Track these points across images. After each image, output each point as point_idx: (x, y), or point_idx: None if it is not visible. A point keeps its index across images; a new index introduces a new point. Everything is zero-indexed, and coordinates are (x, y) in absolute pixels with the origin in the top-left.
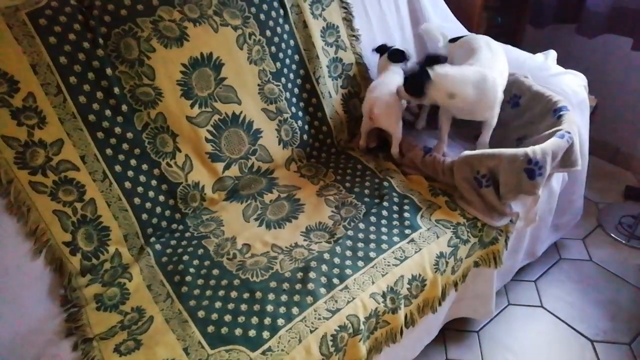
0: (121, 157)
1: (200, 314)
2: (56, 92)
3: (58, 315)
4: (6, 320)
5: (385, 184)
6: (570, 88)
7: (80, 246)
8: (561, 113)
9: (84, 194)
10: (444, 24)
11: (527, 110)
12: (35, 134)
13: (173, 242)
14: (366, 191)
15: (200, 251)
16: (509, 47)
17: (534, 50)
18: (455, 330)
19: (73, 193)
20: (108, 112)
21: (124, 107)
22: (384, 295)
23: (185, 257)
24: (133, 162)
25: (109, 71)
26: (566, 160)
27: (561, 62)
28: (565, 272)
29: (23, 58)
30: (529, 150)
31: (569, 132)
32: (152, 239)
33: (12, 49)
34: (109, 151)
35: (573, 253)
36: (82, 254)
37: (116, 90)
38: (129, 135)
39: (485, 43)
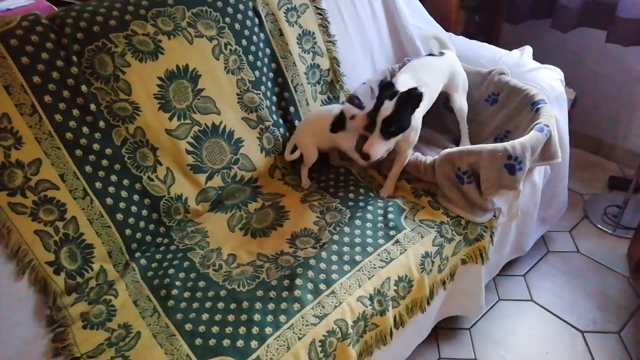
0: (101, 173)
1: (188, 326)
2: (31, 111)
3: (44, 336)
4: None
5: (370, 192)
6: (547, 82)
7: (64, 265)
8: (539, 106)
9: (65, 212)
10: (421, 26)
11: (505, 106)
12: (12, 155)
13: (158, 256)
14: (350, 195)
15: (186, 264)
16: (485, 44)
17: (511, 47)
18: (447, 329)
19: (54, 212)
20: (85, 129)
21: (102, 124)
22: (371, 298)
23: (171, 271)
24: (114, 177)
25: (84, 88)
26: (546, 153)
27: (538, 57)
28: (554, 264)
29: None
30: (508, 145)
31: (547, 125)
32: (137, 254)
33: None
34: (88, 168)
35: (560, 245)
36: (66, 272)
37: (92, 107)
38: (108, 151)
39: (409, 67)
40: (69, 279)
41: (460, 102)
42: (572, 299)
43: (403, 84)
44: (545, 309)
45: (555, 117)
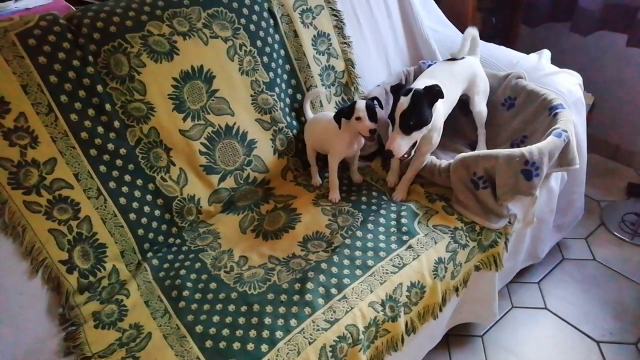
0: (115, 173)
1: (198, 328)
2: (47, 111)
3: (56, 335)
4: (4, 341)
5: (384, 195)
6: (565, 87)
7: (77, 264)
8: (557, 111)
9: (78, 211)
10: (437, 28)
11: (522, 110)
12: (28, 154)
13: (170, 257)
14: (363, 199)
15: (198, 265)
16: (502, 47)
17: (528, 50)
18: (459, 335)
19: (68, 211)
20: (100, 129)
21: (116, 124)
22: (383, 304)
23: (183, 272)
24: (127, 177)
25: (99, 88)
26: (563, 159)
27: (556, 61)
28: (569, 272)
29: (13, 79)
30: (525, 150)
31: (566, 131)
32: (149, 254)
33: (2, 70)
34: (102, 168)
35: (576, 253)
36: (79, 271)
37: (107, 106)
38: (122, 151)
39: (428, 72)
40: (82, 277)
41: (481, 106)
42: (587, 308)
43: (422, 86)
44: (560, 317)
45: (573, 122)
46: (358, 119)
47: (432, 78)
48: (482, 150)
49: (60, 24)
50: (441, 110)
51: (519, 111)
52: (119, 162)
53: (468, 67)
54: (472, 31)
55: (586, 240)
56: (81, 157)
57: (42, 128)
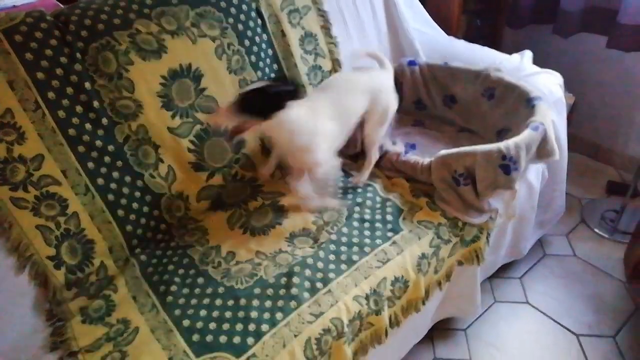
0: (103, 170)
1: (186, 322)
2: (34, 107)
3: (43, 330)
4: None
5: (369, 188)
6: (546, 87)
7: (64, 260)
8: (534, 103)
9: (66, 208)
10: (423, 29)
11: (502, 102)
12: (15, 150)
13: (158, 252)
14: (348, 195)
15: (186, 260)
16: (486, 49)
17: (512, 52)
18: (443, 329)
19: (55, 207)
20: (88, 126)
21: (104, 120)
22: (367, 298)
23: (171, 267)
24: (115, 174)
25: (87, 85)
26: (542, 151)
27: (539, 62)
28: (550, 268)
29: None
30: (502, 145)
31: (542, 124)
32: (137, 250)
33: None
34: (90, 165)
35: (557, 249)
36: (67, 267)
37: (95, 104)
38: (111, 148)
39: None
40: (70, 273)
41: (371, 130)
42: (567, 302)
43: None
44: (541, 311)
45: (553, 119)
46: None
47: (323, 91)
48: (461, 148)
49: (47, 20)
50: (327, 145)
51: (498, 102)
52: (107, 159)
53: (371, 81)
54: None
55: (567, 236)
56: (69, 154)
57: (29, 124)
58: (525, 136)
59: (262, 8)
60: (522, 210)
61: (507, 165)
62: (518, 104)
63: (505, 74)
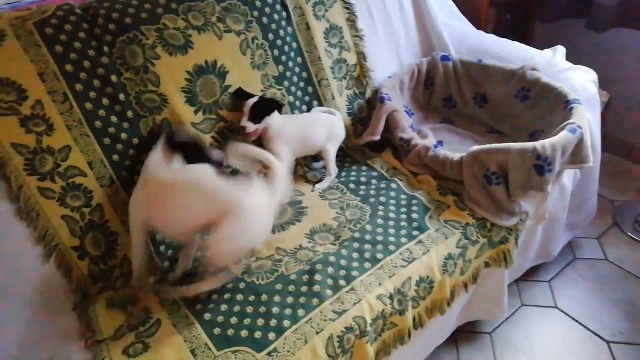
0: (128, 162)
1: (207, 316)
2: (63, 99)
3: (69, 317)
4: (20, 323)
5: (393, 185)
6: (579, 84)
7: (88, 251)
8: (572, 106)
9: (91, 199)
10: (451, 23)
11: (537, 104)
12: (44, 141)
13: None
14: (372, 192)
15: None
16: (517, 44)
17: (543, 47)
18: (468, 332)
19: (81, 198)
20: (114, 119)
21: (130, 114)
22: (391, 297)
23: None
24: (139, 167)
25: (114, 78)
26: (577, 156)
27: (572, 58)
28: (580, 271)
29: (31, 67)
30: (538, 145)
31: (580, 127)
32: (162, 247)
33: (21, 58)
34: (115, 157)
35: (588, 252)
36: (91, 258)
37: (122, 96)
38: (135, 141)
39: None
40: (93, 264)
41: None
42: (598, 307)
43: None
44: (570, 316)
45: (588, 118)
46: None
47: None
48: (494, 144)
49: (77, 14)
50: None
51: (533, 104)
52: (132, 152)
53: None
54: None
55: (598, 240)
56: (95, 146)
57: (58, 116)
58: (562, 138)
59: (288, 0)
60: (553, 211)
61: (541, 166)
62: (555, 106)
63: (542, 75)
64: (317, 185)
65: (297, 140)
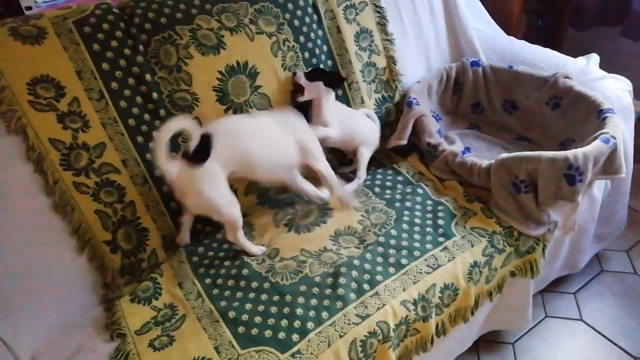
0: None
1: (231, 314)
2: (99, 97)
3: (97, 309)
4: (51, 313)
5: (419, 190)
6: (613, 92)
7: (120, 245)
8: (606, 115)
9: (124, 196)
10: (481, 28)
11: (569, 112)
12: (80, 137)
13: (206, 241)
14: (397, 196)
15: (231, 254)
16: (548, 50)
17: (576, 54)
18: (490, 341)
19: (114, 194)
20: (147, 117)
21: (162, 112)
22: (415, 303)
23: (217, 262)
24: None
25: (148, 77)
26: (609, 166)
27: (605, 66)
28: (607, 284)
29: (69, 64)
30: (570, 154)
31: (614, 137)
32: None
33: (60, 56)
34: (148, 156)
35: (616, 265)
36: (123, 252)
37: (155, 95)
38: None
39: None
40: (125, 258)
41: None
42: (626, 322)
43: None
44: (596, 330)
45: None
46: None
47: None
48: (524, 152)
49: (114, 13)
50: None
51: (565, 112)
52: None
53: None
54: None
55: (627, 252)
56: (129, 144)
57: (94, 113)
58: (594, 147)
59: (319, 3)
60: (581, 221)
61: (572, 176)
62: (587, 115)
63: (575, 83)
64: (346, 187)
65: (340, 123)
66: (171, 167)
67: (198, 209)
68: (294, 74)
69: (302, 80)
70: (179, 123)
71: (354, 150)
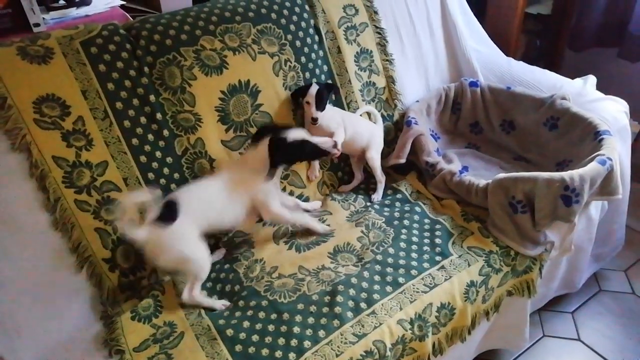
0: (163, 181)
1: (229, 332)
2: (103, 116)
3: (96, 326)
4: (51, 329)
5: (417, 209)
6: (610, 114)
7: (118, 263)
8: (602, 137)
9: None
10: (480, 49)
11: (566, 133)
12: (83, 155)
13: None
14: (396, 214)
15: (231, 275)
16: (546, 72)
17: (573, 75)
18: None
19: (114, 213)
20: (150, 137)
21: (166, 132)
22: (411, 322)
23: (214, 275)
24: (173, 186)
25: (152, 98)
26: (605, 187)
27: (602, 87)
28: (605, 304)
29: (75, 84)
30: (566, 175)
31: (610, 159)
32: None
33: (66, 75)
34: (150, 175)
35: (614, 285)
36: (121, 271)
37: (159, 115)
38: (169, 159)
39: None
40: (123, 276)
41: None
42: (624, 342)
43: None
44: (593, 350)
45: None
46: (307, 103)
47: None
48: (520, 173)
49: (121, 34)
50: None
51: (562, 133)
52: (166, 170)
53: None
54: None
55: (625, 272)
56: (131, 163)
57: (98, 132)
58: (591, 169)
59: (320, 24)
60: (579, 241)
61: (568, 197)
62: (584, 137)
63: (572, 104)
64: (373, 196)
65: (339, 125)
66: (140, 232)
67: (169, 263)
68: (312, 116)
69: (319, 115)
70: (139, 195)
71: (360, 155)
